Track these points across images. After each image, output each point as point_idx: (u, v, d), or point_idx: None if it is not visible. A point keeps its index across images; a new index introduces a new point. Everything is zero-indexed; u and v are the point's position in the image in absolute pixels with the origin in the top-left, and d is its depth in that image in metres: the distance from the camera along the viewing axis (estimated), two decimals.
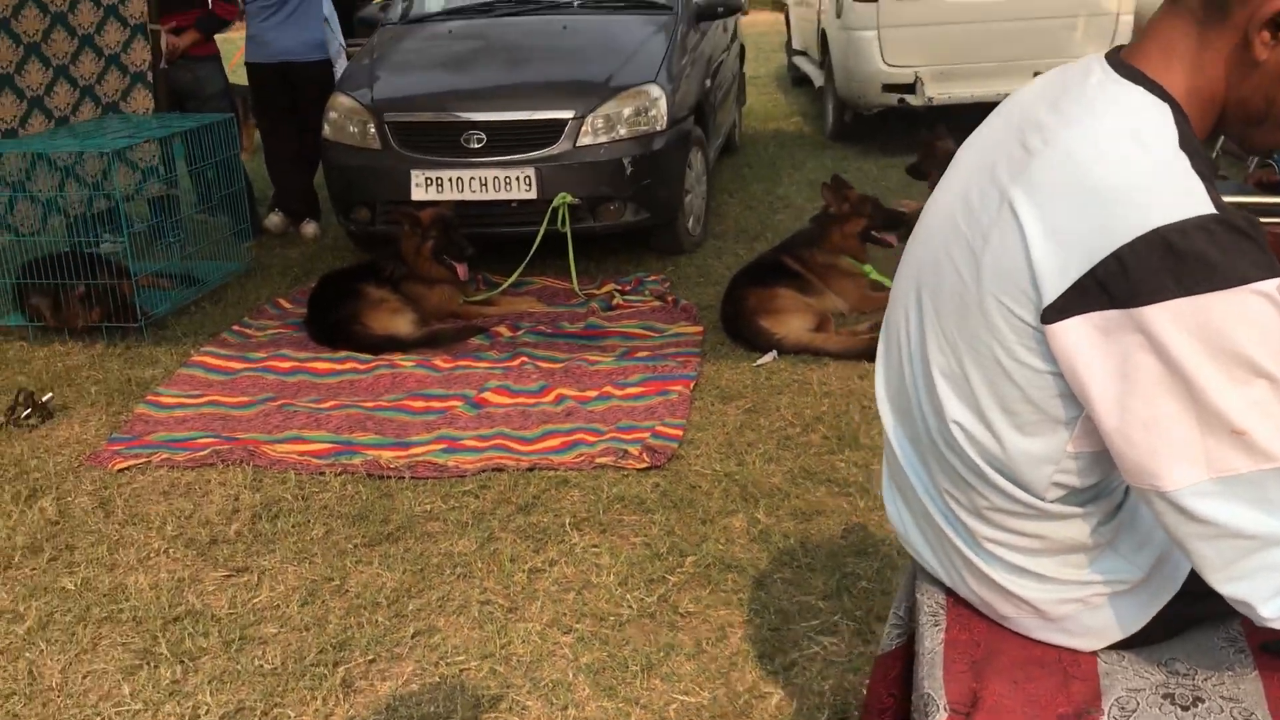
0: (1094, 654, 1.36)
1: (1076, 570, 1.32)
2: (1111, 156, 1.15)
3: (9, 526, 3.36)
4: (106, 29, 5.76)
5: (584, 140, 5.31)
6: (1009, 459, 1.27)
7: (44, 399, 4.18)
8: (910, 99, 7.83)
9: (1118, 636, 1.35)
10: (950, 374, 1.28)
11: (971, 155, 1.34)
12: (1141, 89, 1.19)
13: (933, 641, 1.34)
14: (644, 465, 3.56)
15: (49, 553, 3.21)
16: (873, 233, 4.94)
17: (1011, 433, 1.25)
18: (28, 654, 2.76)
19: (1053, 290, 1.15)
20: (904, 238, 5.38)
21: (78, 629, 2.85)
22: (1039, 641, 1.37)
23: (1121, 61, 1.23)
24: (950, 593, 1.41)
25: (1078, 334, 1.14)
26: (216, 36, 6.45)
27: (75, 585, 3.04)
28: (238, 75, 7.39)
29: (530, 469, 3.58)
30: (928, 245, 1.34)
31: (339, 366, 4.50)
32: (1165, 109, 1.18)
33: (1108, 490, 1.33)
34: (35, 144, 5.05)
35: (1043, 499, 1.28)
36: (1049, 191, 1.17)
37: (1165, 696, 1.27)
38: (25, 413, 4.09)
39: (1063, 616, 1.34)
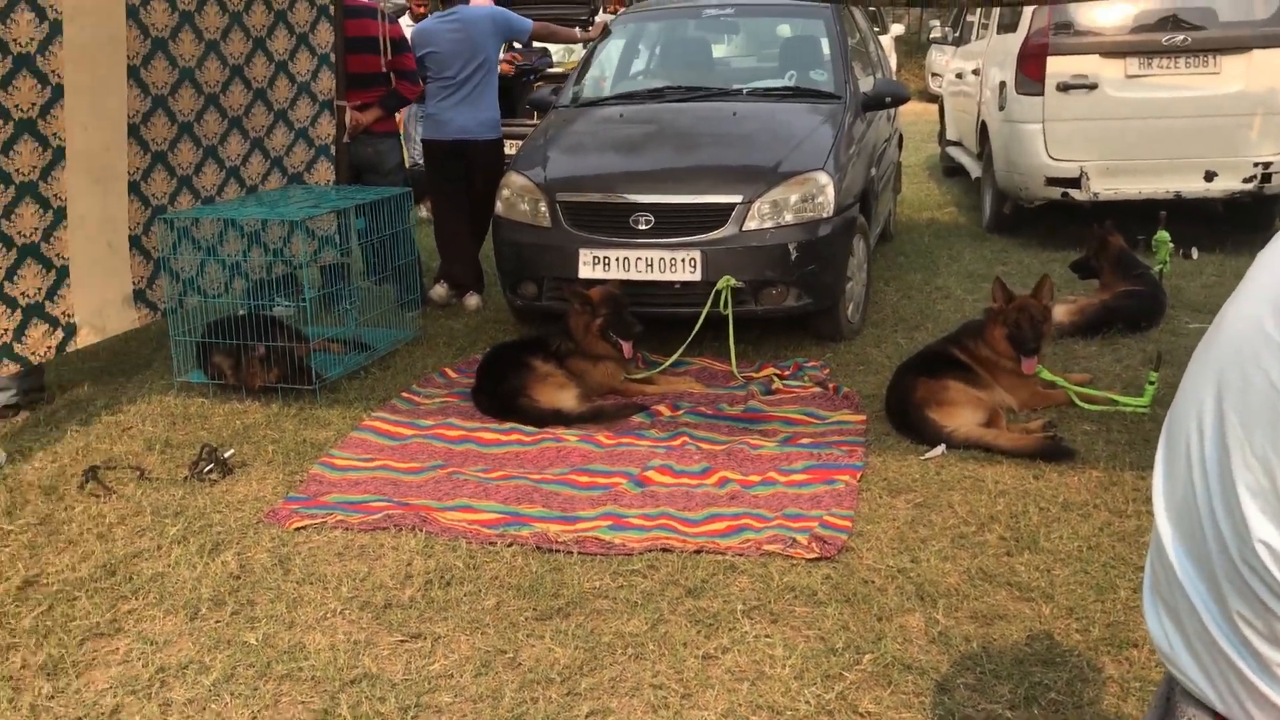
0: None
1: None
2: None
3: (194, 578, 3.47)
4: (298, 104, 6.07)
5: (750, 225, 5.34)
6: None
7: (225, 455, 4.34)
8: (1075, 193, 7.67)
9: None
10: (1259, 491, 1.21)
11: (1277, 258, 1.28)
12: None
13: None
14: (813, 555, 3.49)
15: (231, 606, 3.30)
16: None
17: None
18: (214, 705, 2.82)
19: None
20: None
21: (260, 684, 2.91)
22: None
23: None
24: (1221, 718, 1.32)
25: None
26: None
27: (257, 640, 3.11)
28: None
29: (697, 551, 3.55)
30: (1229, 352, 1.28)
31: (504, 438, 4.57)
32: None
33: None
34: (229, 210, 5.32)
35: None
36: None
37: None
38: (208, 467, 4.26)
39: None
